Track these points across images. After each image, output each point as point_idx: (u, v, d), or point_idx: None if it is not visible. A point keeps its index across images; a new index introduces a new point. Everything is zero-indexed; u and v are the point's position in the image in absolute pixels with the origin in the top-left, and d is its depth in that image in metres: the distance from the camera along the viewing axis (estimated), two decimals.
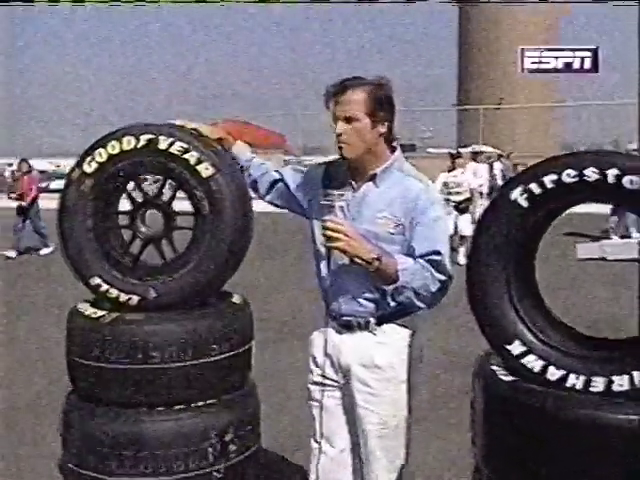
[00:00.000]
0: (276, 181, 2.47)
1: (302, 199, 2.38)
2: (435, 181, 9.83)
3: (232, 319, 2.53)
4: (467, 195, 9.73)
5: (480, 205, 10.53)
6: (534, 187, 1.86)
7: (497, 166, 16.90)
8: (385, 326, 2.21)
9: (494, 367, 1.95)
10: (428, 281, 2.08)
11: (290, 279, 8.27)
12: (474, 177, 10.58)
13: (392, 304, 2.16)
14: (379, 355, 2.19)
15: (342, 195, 2.07)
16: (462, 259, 9.16)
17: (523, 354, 1.89)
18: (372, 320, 2.20)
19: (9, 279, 8.62)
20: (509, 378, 1.89)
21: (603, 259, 9.68)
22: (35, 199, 11.39)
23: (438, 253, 2.11)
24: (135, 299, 2.46)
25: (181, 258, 2.49)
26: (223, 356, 2.46)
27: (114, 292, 2.48)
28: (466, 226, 9.57)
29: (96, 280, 2.49)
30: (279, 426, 3.64)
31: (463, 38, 38.94)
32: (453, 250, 8.34)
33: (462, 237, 9.54)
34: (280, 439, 3.53)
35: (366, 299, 2.19)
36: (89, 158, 2.46)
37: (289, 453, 3.46)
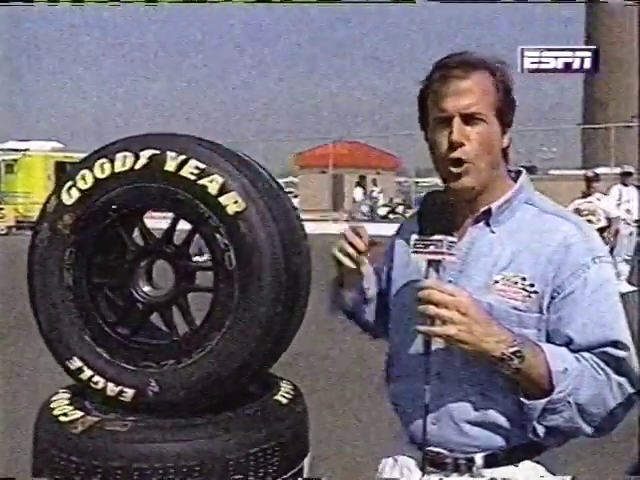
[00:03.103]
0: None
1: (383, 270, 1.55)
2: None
3: (271, 430, 1.65)
4: (602, 224, 8.41)
5: (630, 235, 9.11)
6: None
7: None
8: (521, 467, 1.31)
9: None
10: (603, 390, 1.25)
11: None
12: (619, 202, 9.10)
13: (540, 429, 1.26)
14: None
15: (453, 243, 1.21)
16: None
17: None
18: (501, 457, 1.31)
19: None
20: None
21: None
22: None
23: (617, 344, 1.26)
24: (129, 393, 1.65)
25: (196, 334, 1.65)
26: None
27: (100, 381, 1.67)
28: None
29: (76, 362, 1.70)
30: None
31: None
32: None
33: None
34: None
35: (488, 422, 1.31)
36: (69, 183, 1.68)
37: None
